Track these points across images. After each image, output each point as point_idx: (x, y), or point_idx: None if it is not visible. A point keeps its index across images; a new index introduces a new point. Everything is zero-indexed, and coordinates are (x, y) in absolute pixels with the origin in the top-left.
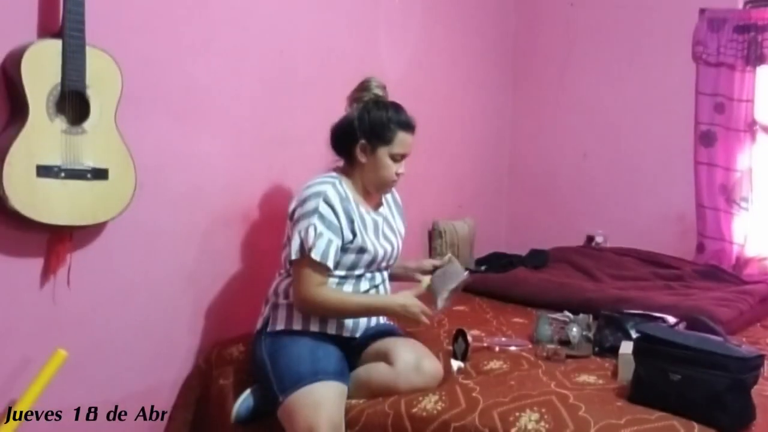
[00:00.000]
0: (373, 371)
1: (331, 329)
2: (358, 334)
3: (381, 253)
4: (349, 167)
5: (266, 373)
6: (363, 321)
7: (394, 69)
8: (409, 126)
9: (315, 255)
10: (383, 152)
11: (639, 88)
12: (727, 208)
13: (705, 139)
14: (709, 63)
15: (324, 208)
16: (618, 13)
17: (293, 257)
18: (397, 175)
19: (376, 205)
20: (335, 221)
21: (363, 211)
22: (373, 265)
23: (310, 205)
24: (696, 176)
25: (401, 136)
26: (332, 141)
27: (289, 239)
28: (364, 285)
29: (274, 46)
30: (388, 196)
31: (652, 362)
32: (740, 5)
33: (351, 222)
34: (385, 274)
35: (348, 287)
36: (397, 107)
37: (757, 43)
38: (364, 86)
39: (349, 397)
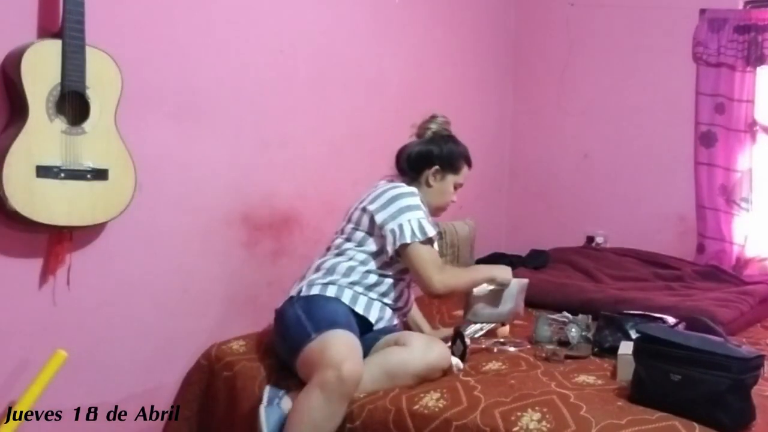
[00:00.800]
0: (388, 352)
1: (359, 308)
2: (376, 326)
3: None
4: (412, 185)
5: (299, 322)
6: (388, 315)
7: (394, 69)
8: (471, 163)
9: (436, 245)
10: (450, 180)
11: (639, 89)
12: (727, 208)
13: (705, 139)
14: (709, 63)
15: (423, 207)
16: (618, 14)
17: (408, 240)
18: (452, 202)
19: None
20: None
21: None
22: None
23: (412, 201)
24: (696, 177)
25: (465, 170)
26: (406, 161)
27: (370, 231)
28: (401, 285)
29: (274, 45)
30: None
31: (653, 362)
32: (740, 5)
33: None
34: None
35: (387, 284)
36: (464, 146)
37: (758, 43)
38: (432, 120)
39: (361, 386)
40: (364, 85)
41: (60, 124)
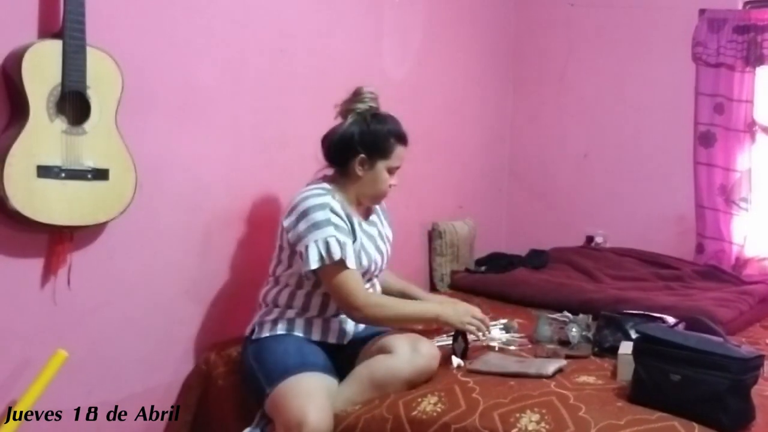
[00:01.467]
0: (373, 363)
1: (316, 336)
2: (345, 341)
3: (373, 265)
4: (341, 178)
5: (253, 373)
6: (350, 328)
7: (395, 69)
8: (405, 140)
9: (351, 264)
10: (381, 166)
11: (639, 89)
12: (726, 208)
13: (704, 139)
14: (708, 63)
15: (335, 218)
16: (618, 14)
17: (313, 267)
18: (390, 186)
19: (367, 214)
20: (346, 228)
21: (357, 223)
22: (364, 276)
23: (319, 216)
24: (695, 177)
25: (398, 150)
26: (328, 152)
27: (293, 250)
28: None
29: (275, 45)
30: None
31: (653, 363)
32: (740, 6)
33: (353, 233)
34: (375, 281)
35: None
36: (395, 120)
37: (757, 43)
38: (357, 97)
39: (351, 400)
40: (364, 85)
41: (60, 124)
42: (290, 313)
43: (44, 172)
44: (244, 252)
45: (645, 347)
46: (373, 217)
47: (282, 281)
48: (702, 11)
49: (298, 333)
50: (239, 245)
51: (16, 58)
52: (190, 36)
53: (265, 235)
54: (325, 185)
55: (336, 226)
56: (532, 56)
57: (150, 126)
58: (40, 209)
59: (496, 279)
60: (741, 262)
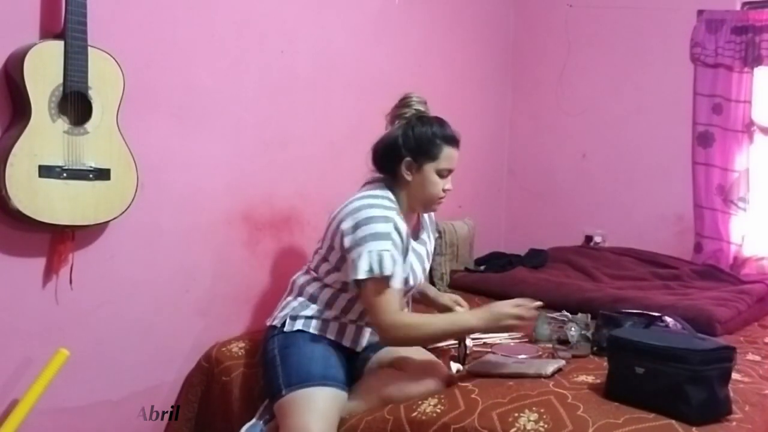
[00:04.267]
0: (383, 379)
1: (347, 341)
2: (361, 348)
3: (413, 284)
4: (394, 185)
5: (274, 366)
6: (368, 335)
7: (394, 69)
8: (454, 140)
9: (396, 283)
10: (430, 168)
11: (637, 89)
12: (724, 208)
13: (703, 139)
14: (707, 64)
15: (395, 236)
16: (616, 15)
17: (360, 276)
18: (444, 191)
19: (416, 233)
20: (402, 247)
21: (409, 242)
22: (405, 294)
23: (380, 228)
24: (694, 176)
25: (447, 151)
26: (376, 159)
27: (343, 254)
28: None
29: (275, 46)
30: (425, 215)
31: (620, 357)
32: (738, 6)
33: (405, 253)
34: (410, 298)
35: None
36: (441, 122)
37: (755, 44)
38: (404, 102)
39: (358, 410)
40: (364, 85)
41: (62, 124)
42: (327, 314)
43: (46, 172)
44: (245, 251)
45: (615, 343)
46: (423, 236)
47: (325, 281)
48: (700, 12)
49: (330, 336)
50: (240, 245)
51: (18, 59)
52: (191, 36)
53: (266, 234)
54: (391, 196)
55: (394, 242)
56: (531, 57)
57: (151, 126)
58: (42, 209)
59: (495, 278)
60: (739, 262)
